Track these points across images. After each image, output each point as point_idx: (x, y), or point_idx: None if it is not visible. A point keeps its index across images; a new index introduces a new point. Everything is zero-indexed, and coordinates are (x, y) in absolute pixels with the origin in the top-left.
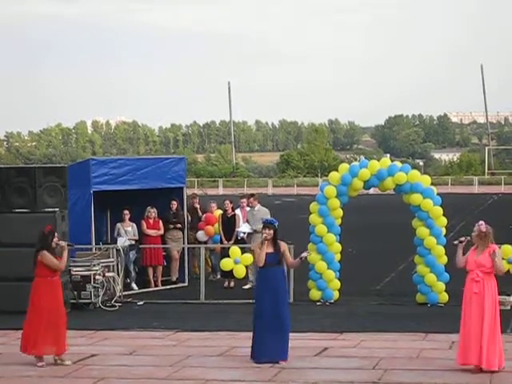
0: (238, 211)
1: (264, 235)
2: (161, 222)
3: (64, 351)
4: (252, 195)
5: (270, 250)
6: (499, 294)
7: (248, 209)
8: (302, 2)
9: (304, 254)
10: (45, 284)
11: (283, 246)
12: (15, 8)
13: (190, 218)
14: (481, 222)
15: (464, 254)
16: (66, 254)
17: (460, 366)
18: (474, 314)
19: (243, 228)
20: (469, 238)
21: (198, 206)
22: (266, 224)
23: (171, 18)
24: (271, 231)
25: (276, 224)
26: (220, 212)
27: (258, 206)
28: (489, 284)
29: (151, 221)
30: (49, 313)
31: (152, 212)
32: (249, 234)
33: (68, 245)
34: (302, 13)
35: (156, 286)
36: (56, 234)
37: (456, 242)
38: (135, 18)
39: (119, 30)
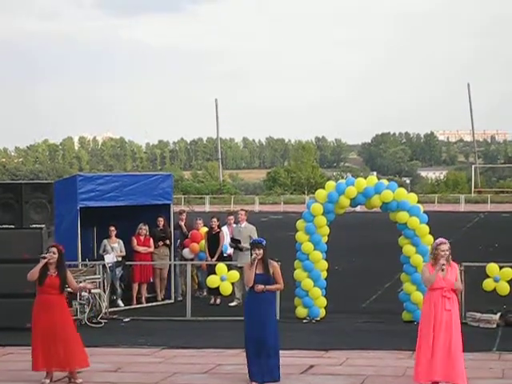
0: (224, 228)
1: (253, 255)
2: (151, 239)
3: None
4: (244, 210)
5: (260, 270)
6: (485, 312)
7: (235, 225)
8: (289, 21)
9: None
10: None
11: (273, 266)
12: (10, 25)
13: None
14: (445, 240)
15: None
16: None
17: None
18: (447, 331)
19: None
20: (444, 260)
21: (182, 224)
22: (255, 244)
23: (158, 34)
24: (261, 251)
25: (264, 243)
26: (206, 229)
27: (244, 223)
28: (455, 301)
29: (142, 238)
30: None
31: (144, 229)
32: (234, 251)
33: (42, 257)
34: (290, 31)
35: (140, 303)
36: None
37: (444, 268)
38: (122, 34)
39: (106, 47)
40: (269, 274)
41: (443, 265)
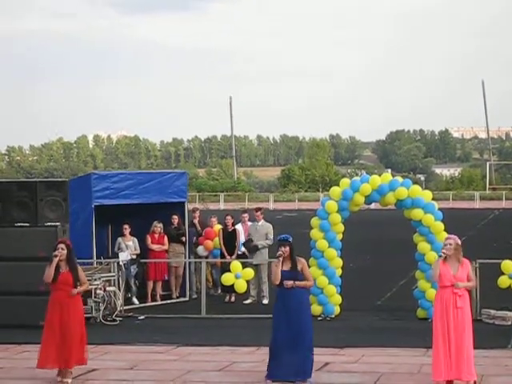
0: (239, 226)
1: (279, 253)
2: (166, 237)
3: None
4: (259, 209)
5: (287, 267)
6: (500, 309)
7: (250, 223)
8: (302, 18)
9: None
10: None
11: (301, 262)
12: (15, 23)
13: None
14: (454, 236)
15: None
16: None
17: (437, 381)
18: (458, 329)
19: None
20: (445, 250)
21: (195, 222)
22: (282, 241)
23: (174, 32)
24: (287, 248)
25: (291, 240)
26: (220, 227)
27: (261, 221)
28: (467, 299)
29: (156, 235)
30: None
31: (158, 227)
32: (251, 250)
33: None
34: (302, 28)
35: (155, 300)
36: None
37: (442, 255)
38: (137, 32)
39: (121, 45)
40: (297, 270)
41: (443, 253)
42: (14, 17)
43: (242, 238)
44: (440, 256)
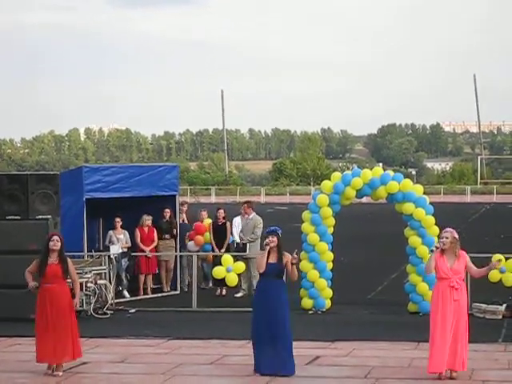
0: (238, 218)
1: (266, 241)
2: (155, 230)
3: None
4: (247, 202)
5: (274, 259)
6: (491, 304)
7: (239, 217)
8: (296, 12)
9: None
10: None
11: (286, 257)
12: (10, 16)
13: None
14: (451, 229)
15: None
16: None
17: (432, 375)
18: (454, 321)
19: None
20: (438, 244)
21: (184, 216)
22: (270, 232)
23: (165, 26)
24: (274, 238)
25: (279, 232)
26: (209, 221)
27: (252, 215)
28: (464, 291)
29: (146, 229)
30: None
31: (147, 220)
32: (244, 243)
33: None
34: (296, 22)
35: (146, 294)
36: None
37: (434, 249)
38: (129, 26)
39: (113, 39)
40: (282, 264)
41: (436, 246)
42: (12, 9)
43: (236, 231)
44: (432, 250)
